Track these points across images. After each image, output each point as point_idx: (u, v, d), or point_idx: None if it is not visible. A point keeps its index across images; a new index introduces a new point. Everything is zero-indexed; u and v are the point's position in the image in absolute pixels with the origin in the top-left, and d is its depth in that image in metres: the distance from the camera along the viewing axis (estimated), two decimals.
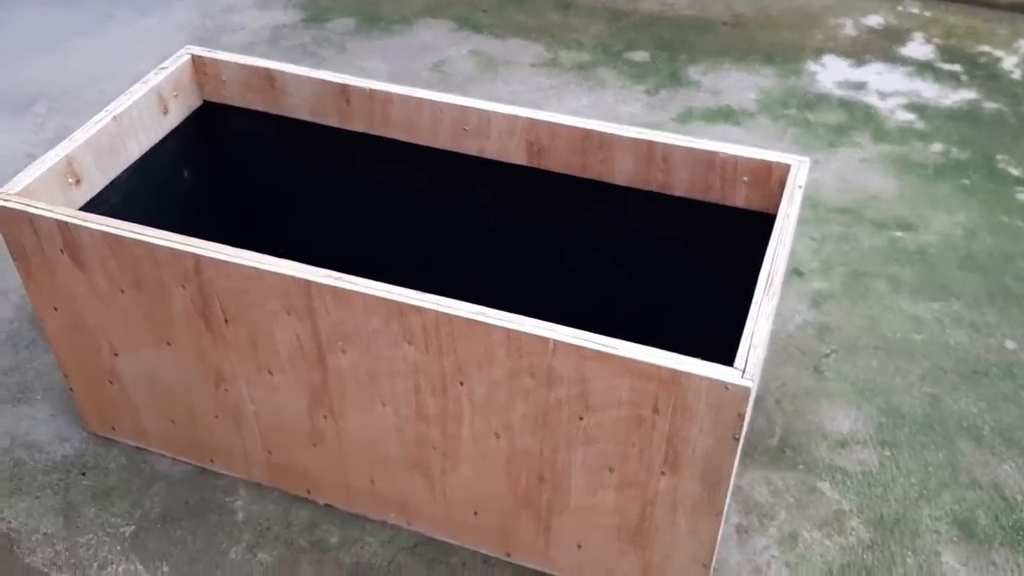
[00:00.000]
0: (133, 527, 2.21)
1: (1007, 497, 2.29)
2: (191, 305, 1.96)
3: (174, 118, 2.39)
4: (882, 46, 4.11)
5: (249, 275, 1.84)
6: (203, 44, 2.48)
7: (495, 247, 2.43)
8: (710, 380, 1.60)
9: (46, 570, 2.13)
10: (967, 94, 3.78)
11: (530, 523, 2.02)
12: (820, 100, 3.74)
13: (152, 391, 2.21)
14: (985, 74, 3.91)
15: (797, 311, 2.79)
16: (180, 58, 2.41)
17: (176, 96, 2.39)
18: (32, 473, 2.34)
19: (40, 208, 1.95)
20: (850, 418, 2.48)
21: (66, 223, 1.93)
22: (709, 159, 2.08)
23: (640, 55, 4.03)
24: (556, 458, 1.86)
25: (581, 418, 1.77)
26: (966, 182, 3.31)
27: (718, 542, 1.86)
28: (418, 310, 1.74)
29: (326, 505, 2.25)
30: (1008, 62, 3.98)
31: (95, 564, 2.14)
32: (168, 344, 2.07)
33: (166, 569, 2.13)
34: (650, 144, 2.11)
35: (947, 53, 4.05)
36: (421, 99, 2.26)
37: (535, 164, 2.24)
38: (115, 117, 2.20)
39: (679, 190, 2.15)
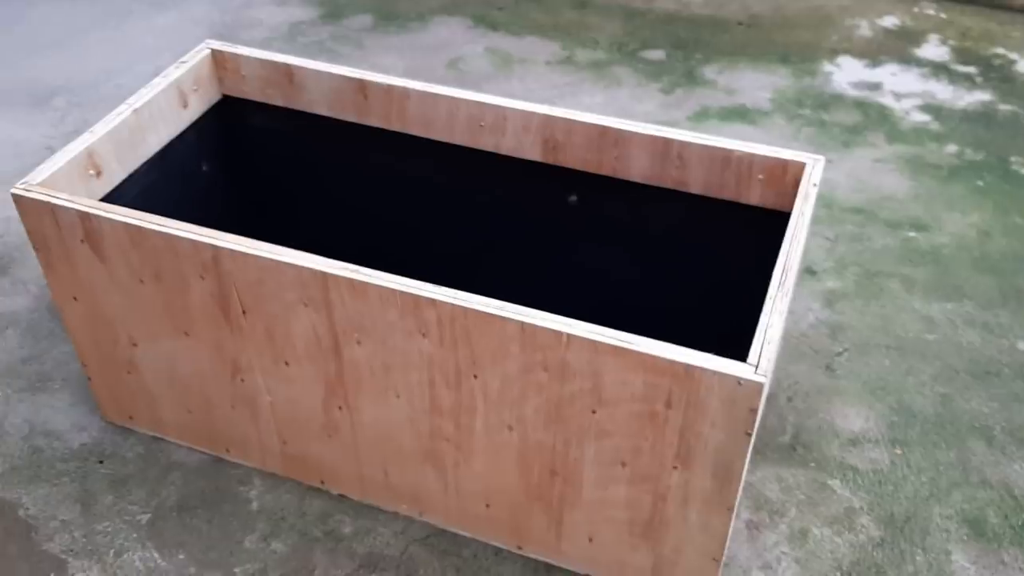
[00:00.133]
0: (149, 515, 2.24)
1: (1017, 497, 2.30)
2: (209, 296, 1.98)
3: (193, 112, 2.42)
4: (897, 47, 4.11)
5: (267, 267, 1.86)
6: (221, 40, 2.50)
7: (510, 242, 2.45)
8: (723, 375, 1.61)
9: (63, 556, 2.16)
10: (982, 96, 3.78)
11: (542, 516, 2.04)
12: (835, 100, 3.75)
13: (169, 381, 2.23)
14: (1000, 76, 3.91)
15: (810, 310, 2.80)
16: (200, 52, 2.43)
17: (196, 90, 2.41)
18: (50, 461, 2.36)
19: (62, 199, 1.97)
20: (862, 416, 2.49)
21: (87, 214, 1.96)
22: (725, 157, 2.09)
23: (656, 54, 4.04)
24: (568, 452, 1.88)
25: (594, 412, 1.78)
26: (980, 183, 3.31)
27: (729, 537, 1.87)
28: (433, 303, 1.76)
29: (340, 496, 2.27)
30: (1023, 64, 3.99)
31: (112, 551, 2.17)
32: (186, 335, 2.10)
33: (182, 556, 2.15)
34: (666, 141, 2.12)
35: (962, 55, 4.05)
36: (438, 95, 2.28)
37: (550, 160, 2.26)
38: (135, 110, 2.23)
39: (694, 187, 2.16)
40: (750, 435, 1.67)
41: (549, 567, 2.12)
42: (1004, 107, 3.71)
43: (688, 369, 1.64)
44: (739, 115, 3.65)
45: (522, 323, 1.71)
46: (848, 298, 2.84)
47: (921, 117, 3.65)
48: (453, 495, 2.11)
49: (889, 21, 4.30)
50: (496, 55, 4.03)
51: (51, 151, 3.31)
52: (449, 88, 2.30)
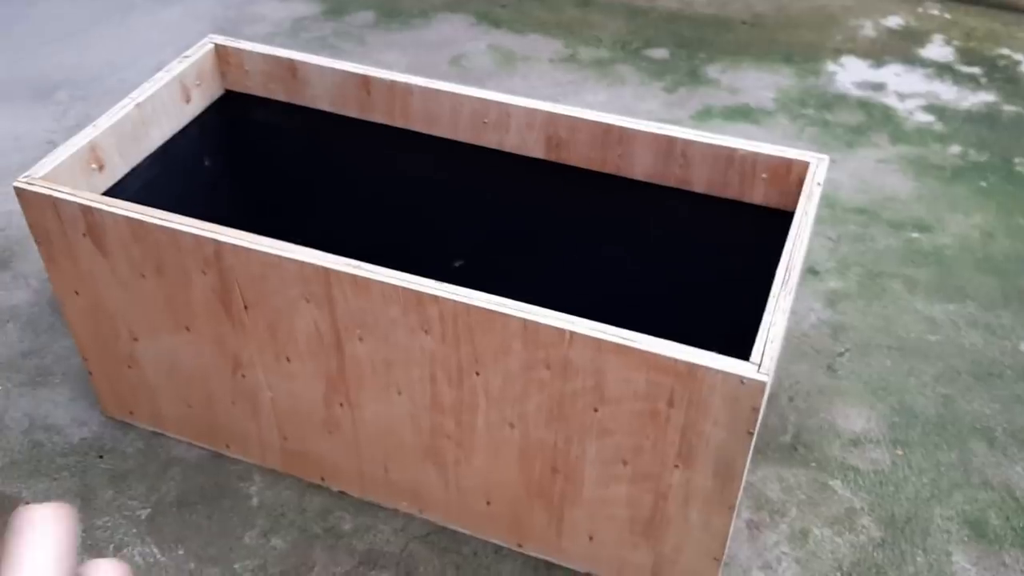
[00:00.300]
0: (149, 510, 2.24)
1: (1019, 498, 2.29)
2: (211, 291, 1.98)
3: (196, 106, 2.41)
4: (901, 47, 4.10)
5: (269, 262, 1.86)
6: (224, 35, 2.50)
7: (512, 239, 2.45)
8: (726, 374, 1.61)
9: None
10: (986, 97, 3.77)
11: (542, 514, 2.03)
12: (838, 100, 3.74)
13: (170, 376, 2.23)
14: (1004, 77, 3.90)
15: (812, 310, 2.79)
16: (203, 47, 2.43)
17: (199, 85, 2.41)
18: (50, 455, 2.36)
19: (64, 192, 1.97)
20: (863, 417, 2.48)
21: (90, 208, 1.95)
22: (728, 155, 2.09)
23: (659, 52, 4.04)
24: (570, 450, 1.87)
25: (596, 410, 1.78)
26: (983, 184, 3.30)
27: (729, 537, 1.87)
28: (436, 299, 1.76)
29: (340, 492, 2.27)
30: None
31: (111, 546, 2.16)
32: (187, 330, 2.09)
33: (181, 552, 2.15)
34: (670, 140, 2.12)
35: (966, 55, 4.04)
36: (441, 91, 2.28)
37: (553, 158, 2.25)
38: (138, 104, 2.22)
39: (698, 186, 2.16)
40: (752, 434, 1.67)
41: (549, 565, 2.12)
42: (1008, 108, 3.70)
43: (691, 367, 1.63)
44: (742, 114, 3.64)
45: (525, 320, 1.71)
46: (850, 298, 2.84)
47: (925, 118, 3.65)
48: (454, 492, 2.11)
49: (893, 21, 4.30)
50: (499, 52, 4.03)
51: (53, 145, 3.30)
52: (452, 84, 2.29)
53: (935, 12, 4.36)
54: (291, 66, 2.39)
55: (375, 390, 1.99)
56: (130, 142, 2.22)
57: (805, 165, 2.05)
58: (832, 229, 3.09)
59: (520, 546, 2.14)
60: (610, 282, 2.39)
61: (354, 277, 1.80)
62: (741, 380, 1.60)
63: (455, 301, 1.74)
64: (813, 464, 2.36)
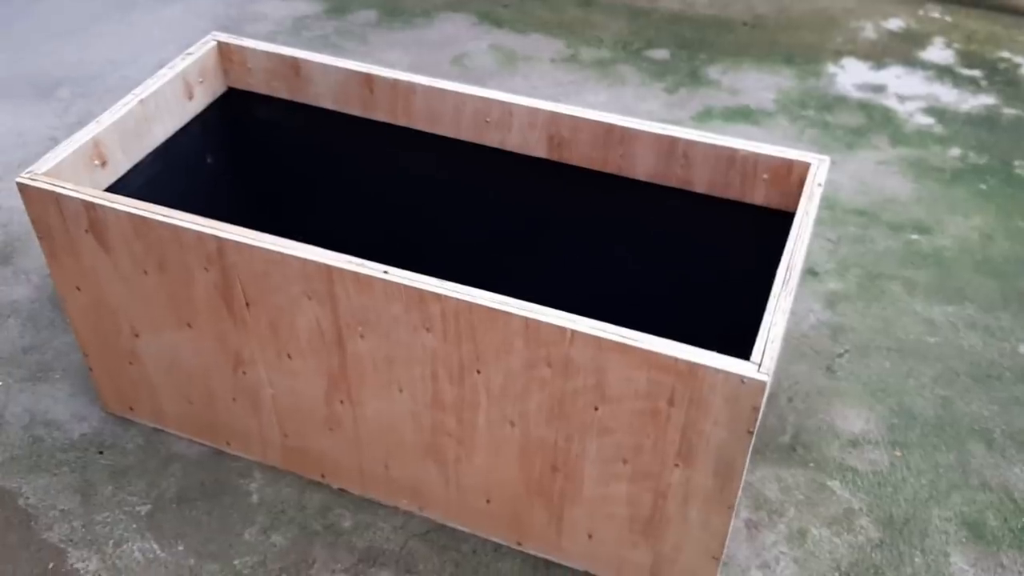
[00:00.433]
0: (149, 506, 2.24)
1: (1017, 500, 2.30)
2: (213, 288, 1.98)
3: (199, 103, 2.42)
4: (902, 50, 4.11)
5: (272, 259, 1.86)
6: (225, 32, 2.51)
7: (514, 238, 2.45)
8: (726, 373, 1.61)
9: (63, 546, 2.16)
10: (986, 99, 3.78)
11: (542, 512, 2.04)
12: (839, 102, 3.75)
13: (171, 372, 2.23)
14: (1004, 80, 3.91)
15: (812, 311, 2.80)
16: (206, 44, 2.43)
17: (201, 82, 2.41)
18: (50, 451, 2.36)
19: (67, 188, 1.97)
20: (862, 418, 2.49)
21: (92, 204, 1.96)
22: (730, 156, 2.09)
23: (660, 53, 4.04)
24: (570, 448, 1.88)
25: (596, 409, 1.78)
26: (983, 187, 3.31)
27: (728, 536, 1.88)
28: (438, 298, 1.76)
29: (340, 489, 2.27)
30: None
31: (111, 541, 2.17)
32: (189, 326, 2.10)
33: (181, 548, 2.15)
34: (671, 140, 2.12)
35: (967, 58, 4.05)
36: (444, 90, 2.28)
37: (555, 157, 2.26)
38: (141, 101, 2.23)
39: (699, 186, 2.16)
40: (752, 434, 1.68)
41: (548, 563, 2.13)
42: (1008, 111, 3.71)
43: (691, 367, 1.64)
44: (743, 115, 3.65)
45: (526, 319, 1.71)
46: (850, 300, 2.85)
47: (925, 120, 3.65)
48: (454, 490, 2.11)
49: (894, 23, 4.30)
50: (500, 52, 4.03)
51: (55, 142, 3.31)
52: (455, 83, 2.30)
53: (936, 15, 4.36)
54: (294, 64, 2.40)
55: (376, 387, 1.99)
56: (133, 138, 2.22)
57: (806, 166, 2.06)
58: (832, 230, 3.10)
59: (519, 544, 2.14)
60: (611, 281, 2.40)
61: (356, 275, 1.81)
62: (741, 379, 1.61)
63: (457, 299, 1.75)
64: (812, 464, 2.37)
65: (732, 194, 2.15)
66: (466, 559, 2.14)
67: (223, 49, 2.45)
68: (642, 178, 2.21)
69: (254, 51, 2.42)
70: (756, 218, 2.14)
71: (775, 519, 2.24)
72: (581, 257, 2.40)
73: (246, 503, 2.25)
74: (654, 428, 1.75)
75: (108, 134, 2.15)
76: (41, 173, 2.01)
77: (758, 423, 1.68)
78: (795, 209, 2.00)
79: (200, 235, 1.90)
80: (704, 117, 3.63)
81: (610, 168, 2.22)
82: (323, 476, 2.27)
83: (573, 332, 1.69)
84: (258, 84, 2.47)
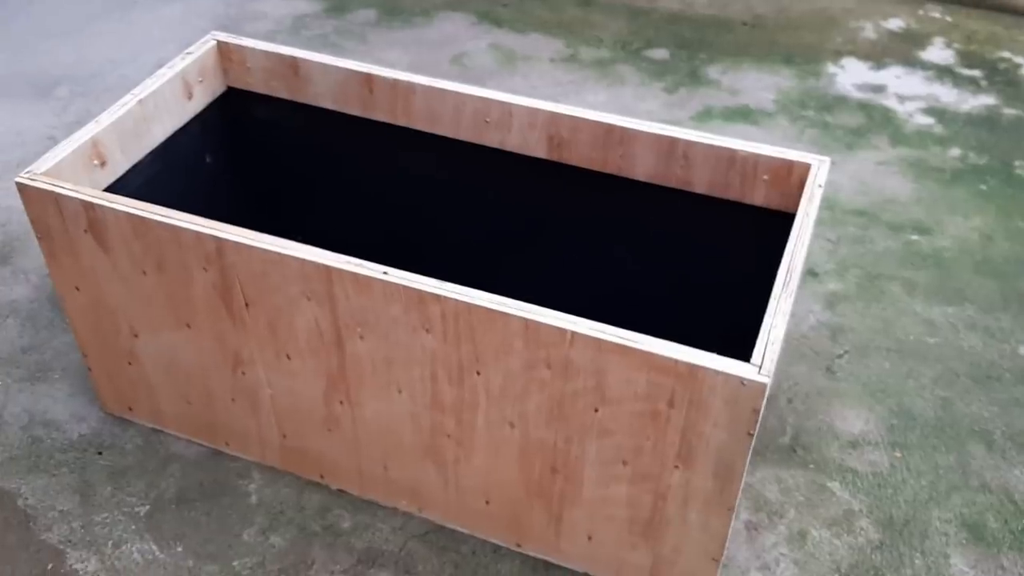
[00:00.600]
0: (148, 507, 2.24)
1: (1017, 501, 2.30)
2: (212, 288, 1.98)
3: (198, 103, 2.41)
4: (902, 50, 4.11)
5: (271, 260, 1.86)
6: (225, 32, 2.50)
7: (513, 239, 2.45)
8: (727, 375, 1.61)
9: (61, 547, 2.15)
10: (986, 99, 3.78)
11: (541, 514, 2.04)
12: (839, 102, 3.74)
13: (170, 373, 2.23)
14: (1005, 80, 3.91)
15: (811, 311, 2.80)
16: (205, 44, 2.43)
17: (201, 81, 2.41)
18: (49, 451, 2.36)
19: (66, 188, 1.97)
20: (861, 419, 2.49)
21: (91, 204, 1.95)
22: (730, 157, 2.09)
23: (659, 53, 4.04)
24: (570, 449, 1.88)
25: (596, 410, 1.78)
26: (983, 187, 3.31)
27: (728, 537, 1.87)
28: (437, 299, 1.76)
29: (339, 490, 2.27)
30: None
31: (110, 542, 2.16)
32: (188, 327, 2.09)
33: (180, 549, 2.15)
34: (671, 140, 2.12)
35: (967, 58, 4.05)
36: (444, 90, 2.28)
37: (555, 158, 2.26)
38: (141, 100, 2.22)
39: (699, 187, 2.16)
40: (752, 436, 1.67)
41: (548, 565, 2.12)
42: (1008, 111, 3.71)
43: (692, 368, 1.63)
44: (742, 116, 3.65)
45: (526, 320, 1.71)
46: (849, 300, 2.84)
47: (925, 120, 3.65)
48: (453, 491, 2.11)
49: (894, 23, 4.30)
50: (500, 51, 4.03)
51: (54, 141, 3.31)
52: (455, 83, 2.29)
53: (936, 15, 4.36)
54: (293, 64, 2.39)
55: (375, 388, 1.99)
56: (132, 138, 2.22)
57: (806, 167, 2.05)
58: (831, 231, 3.10)
59: (519, 546, 2.14)
60: (611, 282, 2.40)
61: (355, 275, 1.81)
62: (742, 381, 1.61)
63: (457, 300, 1.74)
64: (811, 466, 2.37)
65: (732, 195, 2.14)
66: (465, 560, 2.14)
67: (222, 49, 2.44)
68: (642, 179, 2.20)
69: (253, 51, 2.42)
70: (756, 219, 2.14)
71: (775, 520, 2.24)
72: (581, 258, 2.40)
73: (245, 504, 2.24)
74: (654, 430, 1.75)
75: (107, 134, 2.14)
76: (40, 173, 2.01)
77: (758, 425, 1.67)
78: (795, 210, 1.99)
79: (199, 235, 1.89)
80: (704, 117, 3.63)
81: (610, 168, 2.22)
82: (322, 477, 2.27)
83: (573, 333, 1.69)
84: (257, 84, 2.47)
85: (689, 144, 2.11)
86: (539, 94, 3.66)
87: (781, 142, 3.44)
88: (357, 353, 1.94)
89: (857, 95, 3.79)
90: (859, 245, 3.05)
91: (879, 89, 3.83)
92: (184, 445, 2.37)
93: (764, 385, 1.60)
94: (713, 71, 3.92)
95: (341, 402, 2.06)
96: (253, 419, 2.22)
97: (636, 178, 2.21)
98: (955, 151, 3.49)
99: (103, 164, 2.15)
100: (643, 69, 3.92)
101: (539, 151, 2.26)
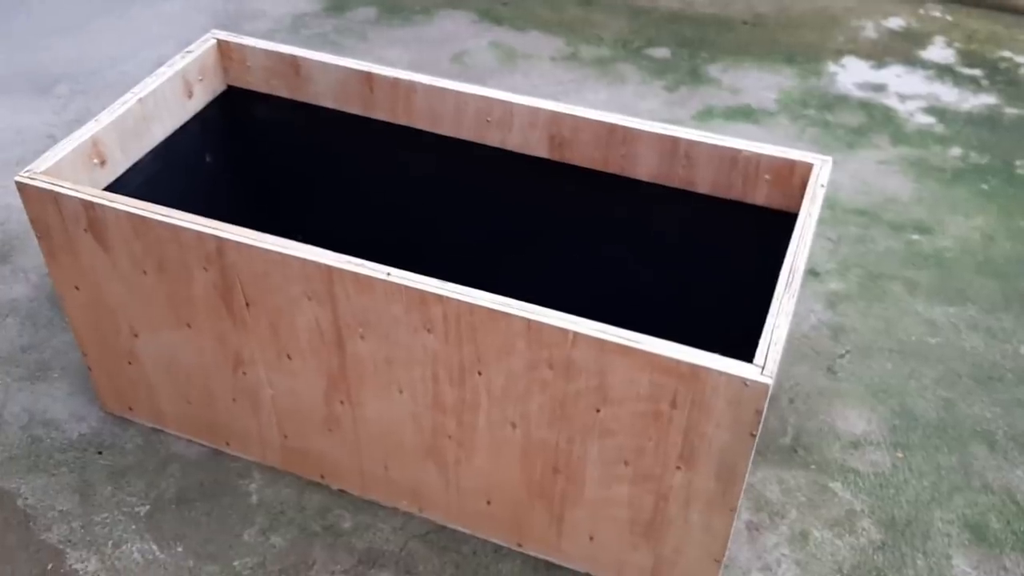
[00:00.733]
0: (148, 507, 2.23)
1: (1019, 502, 2.29)
2: (213, 288, 1.97)
3: (198, 102, 2.41)
4: (903, 49, 4.10)
5: (272, 259, 1.85)
6: (224, 30, 2.49)
7: (515, 238, 2.44)
8: (729, 376, 1.61)
9: (61, 547, 2.15)
10: (987, 99, 3.77)
11: (543, 514, 2.03)
12: (840, 101, 3.74)
13: (170, 372, 2.22)
14: (1006, 79, 3.90)
15: (812, 311, 2.79)
16: (205, 42, 2.42)
17: (201, 80, 2.40)
18: (49, 451, 2.35)
19: (65, 187, 1.96)
20: (863, 419, 2.48)
21: (91, 203, 1.94)
22: (732, 156, 2.09)
23: (660, 52, 4.03)
24: (572, 450, 1.87)
25: (598, 411, 1.77)
26: (984, 187, 3.30)
27: (730, 538, 1.87)
28: (439, 299, 1.75)
29: (339, 490, 2.26)
30: None
31: (110, 542, 2.16)
32: (188, 326, 2.09)
33: (180, 549, 2.15)
34: (674, 140, 2.11)
35: (968, 57, 4.04)
36: (445, 89, 2.27)
37: (556, 157, 2.25)
38: (140, 99, 2.21)
39: (701, 187, 2.15)
40: (755, 437, 1.67)
41: (549, 565, 2.12)
42: (1010, 110, 3.70)
43: (694, 369, 1.63)
44: (743, 115, 3.64)
45: (528, 320, 1.70)
46: (851, 300, 2.84)
47: (926, 119, 3.65)
48: (454, 491, 2.10)
49: (895, 23, 4.30)
50: (500, 50, 4.02)
51: (53, 139, 3.30)
52: (456, 82, 2.28)
53: (937, 14, 4.36)
54: (294, 62, 2.38)
55: (376, 388, 1.98)
56: (132, 137, 2.21)
57: (808, 167, 2.05)
58: (833, 230, 3.09)
59: (520, 546, 2.13)
60: (613, 282, 2.39)
61: (356, 275, 1.80)
62: (744, 382, 1.60)
63: (458, 300, 1.74)
64: (813, 466, 2.36)
65: (734, 195, 2.14)
66: (466, 560, 2.13)
67: (222, 47, 2.44)
68: (644, 178, 2.20)
69: (253, 49, 2.41)
70: (758, 219, 2.13)
71: (776, 521, 2.24)
72: (582, 258, 2.39)
73: (245, 504, 2.24)
74: (656, 430, 1.74)
75: (107, 133, 2.14)
76: (40, 172, 2.00)
77: (760, 426, 1.67)
78: (797, 210, 1.99)
79: (199, 235, 1.89)
80: (705, 116, 3.62)
81: (612, 168, 2.21)
82: (323, 477, 2.26)
83: (575, 334, 1.68)
84: (258, 83, 2.46)
85: (691, 144, 2.11)
86: (540, 92, 3.65)
87: (782, 141, 3.43)
88: (358, 353, 1.94)
89: (858, 94, 3.79)
90: (860, 245, 3.04)
91: (880, 88, 3.83)
92: (184, 445, 2.36)
93: (767, 386, 1.59)
94: (714, 70, 3.91)
95: (342, 402, 2.05)
96: (254, 419, 2.21)
97: (638, 178, 2.20)
98: (956, 150, 3.48)
99: (103, 163, 2.14)
100: (644, 68, 3.92)
101: (541, 151, 2.25)
